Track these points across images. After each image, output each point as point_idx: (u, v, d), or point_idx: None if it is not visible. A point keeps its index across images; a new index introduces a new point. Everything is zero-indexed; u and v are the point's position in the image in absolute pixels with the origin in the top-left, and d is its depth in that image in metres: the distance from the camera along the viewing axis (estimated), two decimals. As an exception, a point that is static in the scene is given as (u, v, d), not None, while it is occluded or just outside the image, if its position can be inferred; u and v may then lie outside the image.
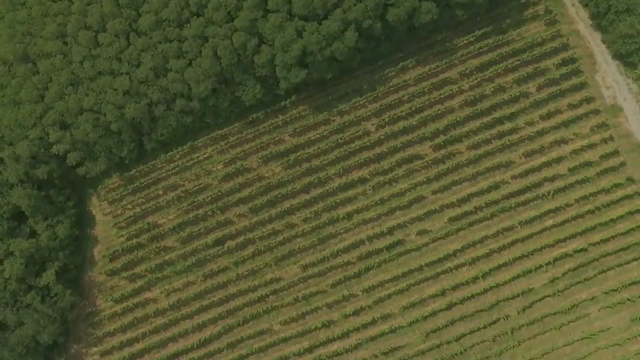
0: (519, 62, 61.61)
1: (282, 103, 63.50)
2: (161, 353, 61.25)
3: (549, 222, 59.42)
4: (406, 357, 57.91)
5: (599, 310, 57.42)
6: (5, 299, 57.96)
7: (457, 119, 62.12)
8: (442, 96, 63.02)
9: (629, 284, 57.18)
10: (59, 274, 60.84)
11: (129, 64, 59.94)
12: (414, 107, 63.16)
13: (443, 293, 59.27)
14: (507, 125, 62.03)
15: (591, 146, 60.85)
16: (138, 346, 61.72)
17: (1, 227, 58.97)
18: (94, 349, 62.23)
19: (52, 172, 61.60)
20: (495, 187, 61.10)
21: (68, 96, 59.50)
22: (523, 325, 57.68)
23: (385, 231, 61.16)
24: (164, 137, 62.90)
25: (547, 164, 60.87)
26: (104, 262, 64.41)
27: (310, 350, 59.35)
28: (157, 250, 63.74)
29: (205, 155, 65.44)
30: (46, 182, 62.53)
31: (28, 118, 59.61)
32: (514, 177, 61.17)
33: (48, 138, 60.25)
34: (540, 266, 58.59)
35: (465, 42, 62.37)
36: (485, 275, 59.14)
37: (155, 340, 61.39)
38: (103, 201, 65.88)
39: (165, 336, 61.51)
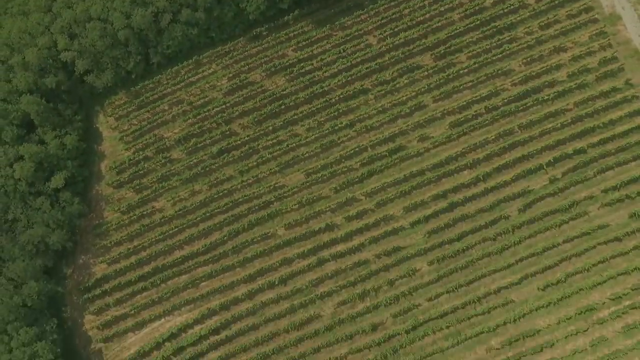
0: (517, -28, 62.70)
1: (285, 18, 64.83)
2: (167, 259, 62.36)
3: (549, 126, 60.28)
4: (408, 256, 58.94)
5: (598, 209, 58.23)
6: (15, 200, 59.18)
7: (457, 29, 63.25)
8: (442, 8, 64.23)
9: (628, 182, 57.94)
10: (67, 185, 62.29)
11: (135, -28, 61.29)
12: (414, 20, 64.46)
13: (444, 195, 60.26)
14: (507, 35, 63.14)
15: (590, 53, 61.80)
16: (144, 254, 62.84)
17: (11, 132, 60.26)
18: (102, 259, 63.39)
19: (61, 83, 63.02)
20: (496, 93, 62.10)
21: (76, 4, 60.92)
22: (523, 224, 58.61)
23: (387, 138, 62.27)
24: (169, 50, 64.23)
25: (546, 71, 61.83)
26: (110, 175, 65.70)
27: (313, 252, 60.39)
28: (163, 161, 65.04)
29: (210, 70, 66.77)
30: (54, 95, 64.02)
31: (37, 27, 61.18)
32: (513, 84, 62.19)
33: (56, 47, 61.70)
34: (540, 167, 59.57)
35: (465, -47, 63.53)
36: (485, 177, 60.08)
37: (161, 247, 62.50)
38: (109, 117, 67.24)
39: (171, 243, 62.64)
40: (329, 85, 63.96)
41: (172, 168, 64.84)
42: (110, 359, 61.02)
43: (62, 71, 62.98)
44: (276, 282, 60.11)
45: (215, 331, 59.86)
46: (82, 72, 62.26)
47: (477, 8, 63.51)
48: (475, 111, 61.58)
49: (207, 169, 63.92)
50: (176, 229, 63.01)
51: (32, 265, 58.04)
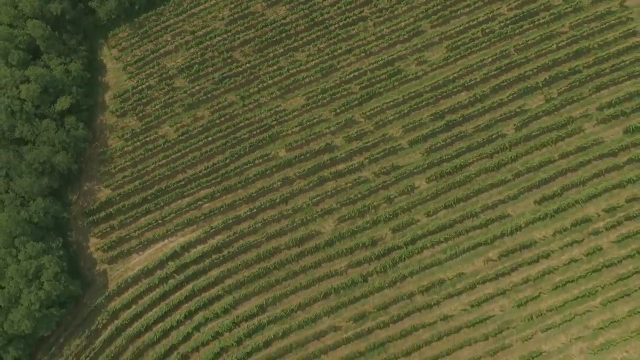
0: None
1: (285, -52, 65.91)
2: (170, 182, 63.51)
3: (544, 47, 61.37)
4: (407, 174, 60.09)
5: (594, 126, 59.36)
6: (21, 120, 60.35)
7: (454, -43, 64.35)
8: (439, -63, 65.32)
9: (622, 100, 59.07)
10: (72, 112, 63.44)
11: None
12: (411, -51, 65.51)
13: (442, 115, 61.32)
14: (503, -38, 64.22)
15: (584, -23, 62.92)
16: (147, 177, 63.92)
17: (17, 55, 61.42)
18: (106, 184, 64.54)
19: (65, 11, 64.11)
20: (492, 18, 63.17)
21: None
22: (520, 141, 59.69)
23: (385, 62, 63.40)
24: (172, -19, 65.38)
25: (542, -5, 62.99)
26: (114, 104, 66.87)
27: (314, 171, 61.52)
28: (165, 89, 66.24)
29: (212, 2, 67.88)
30: (59, 24, 65.17)
31: (42, -47, 62.18)
32: (510, 9, 63.24)
33: (61, -28, 62.87)
34: (536, 87, 60.67)
35: None
36: (482, 98, 61.17)
37: (164, 170, 63.60)
38: (113, 48, 68.43)
39: (173, 166, 63.72)
40: (329, 13, 65.08)
41: (175, 95, 66.03)
42: (114, 279, 62.27)
43: (67, -1, 64.15)
44: (277, 201, 61.29)
45: (218, 249, 61.06)
46: (87, -1, 63.44)
47: (472, -63, 64.63)
48: (472, 34, 62.70)
49: (209, 95, 65.08)
50: (179, 153, 64.23)
51: (39, 183, 59.21)
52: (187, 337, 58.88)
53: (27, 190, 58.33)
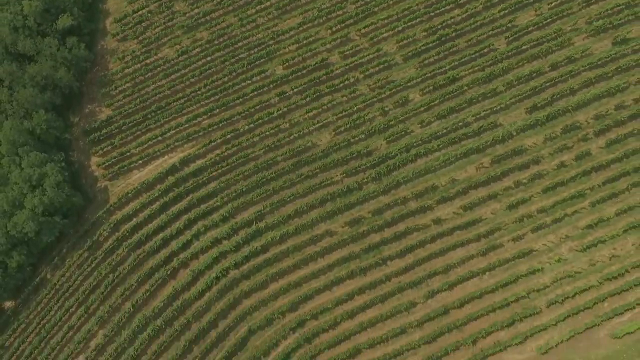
0: None
1: None
2: (169, 99, 64.61)
3: (535, -34, 62.83)
4: (401, 87, 61.49)
5: (583, 39, 60.86)
6: (24, 35, 61.70)
7: None
8: None
9: (611, 13, 60.44)
10: (73, 32, 64.71)
11: None
12: None
13: (435, 31, 62.66)
14: None
15: None
16: (147, 96, 64.94)
17: (19, -27, 62.81)
18: (107, 103, 65.83)
19: None
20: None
21: None
22: (511, 54, 61.15)
23: (381, -18, 64.86)
24: None
25: None
26: (115, 29, 68.15)
27: (310, 86, 62.83)
28: (165, 13, 67.46)
29: None
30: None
31: None
32: None
33: None
34: (527, 3, 62.05)
35: None
36: (475, 14, 62.54)
37: (164, 89, 64.83)
38: (114, -25, 69.76)
39: (173, 84, 64.94)
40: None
41: (174, 18, 67.33)
42: (115, 194, 63.61)
43: None
44: (274, 115, 62.73)
45: (217, 162, 62.37)
46: None
47: None
48: (465, -46, 64.14)
49: (208, 17, 66.45)
50: (178, 73, 65.55)
51: (41, 97, 60.59)
52: (187, 244, 60.26)
53: (30, 102, 59.65)
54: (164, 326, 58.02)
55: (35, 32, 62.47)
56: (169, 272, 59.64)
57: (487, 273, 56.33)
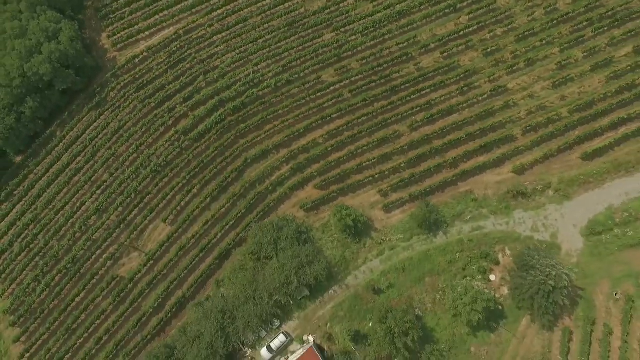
0: None
1: None
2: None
3: None
4: (386, -40, 67.82)
5: None
6: None
7: None
8: None
9: None
10: None
11: None
12: None
13: None
14: None
15: None
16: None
17: None
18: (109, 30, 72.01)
19: None
20: None
21: None
22: None
23: None
24: None
25: None
26: None
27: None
28: None
29: None
30: None
31: None
32: None
33: None
34: None
35: None
36: None
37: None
38: None
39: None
40: None
41: None
42: (123, 60, 68.62)
43: None
44: (271, -13, 68.74)
45: (219, 31, 67.72)
46: None
47: None
48: None
49: None
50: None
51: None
52: (189, 97, 64.77)
53: (49, -32, 65.81)
54: (165, 163, 61.88)
55: None
56: (170, 120, 64.04)
57: (466, 109, 60.81)
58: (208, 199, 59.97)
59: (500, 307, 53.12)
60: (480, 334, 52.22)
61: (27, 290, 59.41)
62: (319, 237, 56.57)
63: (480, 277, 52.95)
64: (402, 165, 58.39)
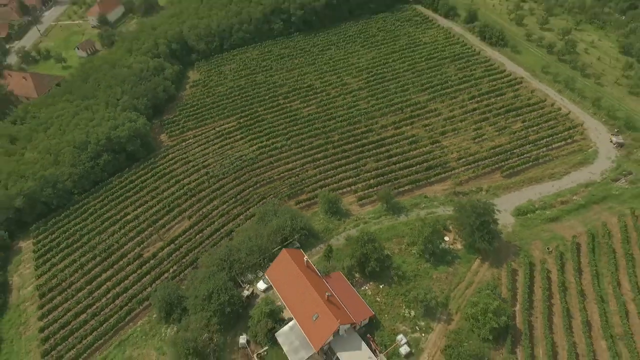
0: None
1: None
2: (211, 106, 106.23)
3: None
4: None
5: None
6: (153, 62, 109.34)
7: None
8: None
9: None
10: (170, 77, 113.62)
11: None
12: None
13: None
14: None
15: None
16: (199, 107, 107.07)
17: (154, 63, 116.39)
18: (179, 110, 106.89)
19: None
20: None
21: None
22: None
23: None
24: None
25: None
26: (192, 84, 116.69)
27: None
28: (220, 78, 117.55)
29: None
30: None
31: None
32: None
33: None
34: None
35: None
36: None
37: (208, 105, 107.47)
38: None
39: (210, 101, 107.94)
40: None
41: (225, 79, 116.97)
42: (173, 144, 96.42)
43: None
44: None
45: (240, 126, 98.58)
46: None
47: None
48: None
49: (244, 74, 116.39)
50: (213, 97, 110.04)
51: (145, 97, 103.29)
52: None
53: (138, 93, 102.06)
54: (194, 190, 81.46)
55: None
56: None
57: (415, 154, 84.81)
58: (225, 205, 77.79)
59: (456, 254, 64.68)
60: (441, 268, 61.96)
61: (61, 271, 70.72)
62: (308, 218, 71.39)
63: (436, 237, 66.07)
64: (372, 181, 78.79)
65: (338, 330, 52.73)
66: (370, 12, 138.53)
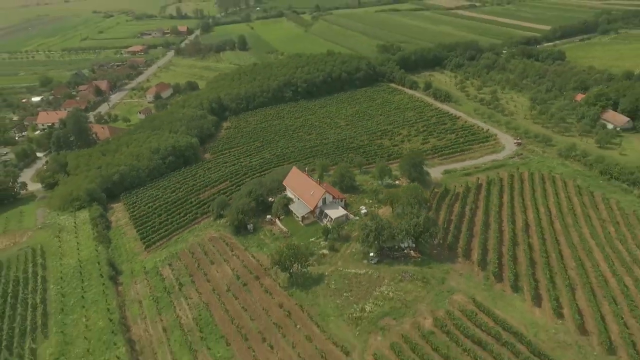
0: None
1: None
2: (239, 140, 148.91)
3: None
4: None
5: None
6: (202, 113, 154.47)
7: None
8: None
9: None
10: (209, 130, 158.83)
11: None
12: None
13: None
14: None
15: None
16: (232, 140, 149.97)
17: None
18: (215, 151, 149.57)
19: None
20: None
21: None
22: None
23: None
24: None
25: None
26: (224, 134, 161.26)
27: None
28: (242, 128, 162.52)
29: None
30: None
31: None
32: None
33: None
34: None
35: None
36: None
37: (239, 140, 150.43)
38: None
39: (238, 138, 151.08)
40: None
41: (241, 131, 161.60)
42: (211, 157, 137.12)
43: None
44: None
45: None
46: None
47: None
48: None
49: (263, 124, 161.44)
50: (242, 135, 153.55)
51: (195, 129, 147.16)
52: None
53: (191, 125, 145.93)
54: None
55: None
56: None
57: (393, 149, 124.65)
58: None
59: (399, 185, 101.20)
60: (388, 187, 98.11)
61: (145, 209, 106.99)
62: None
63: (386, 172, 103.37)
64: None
65: (325, 198, 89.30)
66: (356, 87, 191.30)
